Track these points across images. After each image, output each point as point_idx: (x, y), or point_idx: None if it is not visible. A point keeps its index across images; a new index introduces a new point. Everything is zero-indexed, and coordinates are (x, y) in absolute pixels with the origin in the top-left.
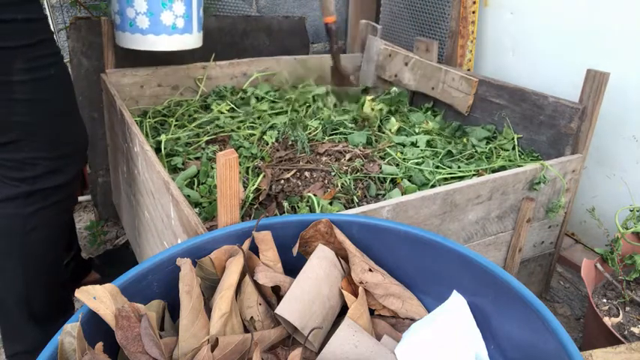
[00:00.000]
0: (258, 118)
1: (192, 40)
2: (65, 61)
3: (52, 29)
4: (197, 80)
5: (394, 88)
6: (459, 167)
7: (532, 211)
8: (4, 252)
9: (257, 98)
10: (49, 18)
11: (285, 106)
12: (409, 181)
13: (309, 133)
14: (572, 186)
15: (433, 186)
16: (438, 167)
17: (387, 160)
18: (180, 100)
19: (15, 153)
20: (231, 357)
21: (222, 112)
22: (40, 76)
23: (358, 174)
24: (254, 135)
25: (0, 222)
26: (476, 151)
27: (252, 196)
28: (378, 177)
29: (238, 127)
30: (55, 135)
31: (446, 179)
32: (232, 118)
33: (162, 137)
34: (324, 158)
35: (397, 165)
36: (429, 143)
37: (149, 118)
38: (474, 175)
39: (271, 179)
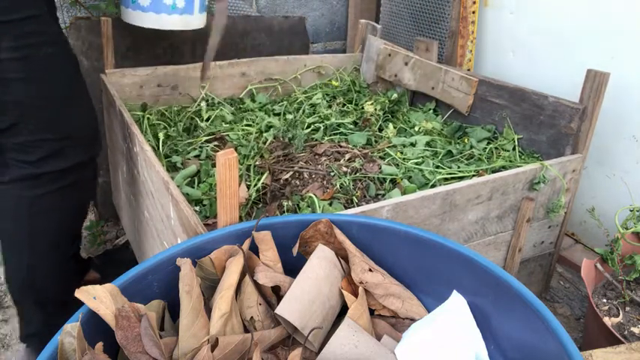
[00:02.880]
0: (256, 117)
1: (193, 21)
2: None
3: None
4: (200, 87)
5: (394, 95)
6: (458, 167)
7: (532, 211)
8: (9, 234)
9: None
10: None
11: (283, 109)
12: (409, 181)
13: (309, 133)
14: (572, 186)
15: (433, 186)
16: (438, 167)
17: (386, 160)
18: (180, 108)
19: (15, 137)
20: (231, 357)
21: (219, 116)
22: (32, 54)
23: (357, 174)
24: (251, 134)
25: (6, 203)
26: (475, 152)
27: (255, 194)
28: (378, 177)
29: (233, 128)
30: (54, 116)
31: (446, 179)
32: (232, 121)
33: (161, 135)
34: (323, 158)
35: (397, 165)
36: (428, 144)
37: (150, 115)
38: (473, 175)
39: (271, 178)
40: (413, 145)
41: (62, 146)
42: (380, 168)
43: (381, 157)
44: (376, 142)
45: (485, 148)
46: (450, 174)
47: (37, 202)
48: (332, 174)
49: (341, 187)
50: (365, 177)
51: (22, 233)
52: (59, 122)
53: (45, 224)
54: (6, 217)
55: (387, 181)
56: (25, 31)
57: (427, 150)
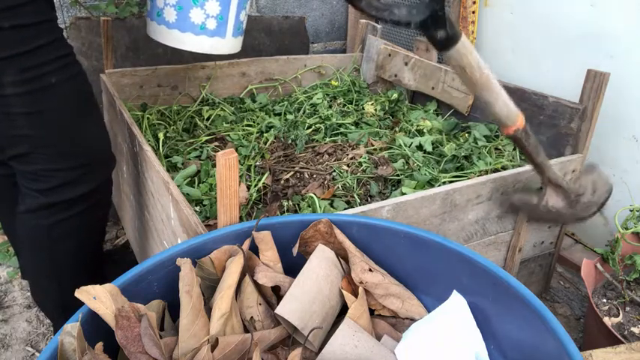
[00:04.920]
0: (257, 117)
1: (223, 45)
2: None
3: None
4: (200, 86)
5: (395, 95)
6: (461, 167)
7: None
8: (34, 261)
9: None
10: None
11: (284, 109)
12: (412, 179)
13: (311, 133)
14: None
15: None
16: (443, 171)
17: (398, 161)
18: (180, 108)
19: (27, 165)
20: (231, 357)
21: (220, 116)
22: (38, 87)
23: (359, 174)
24: (252, 134)
25: (25, 231)
26: (476, 145)
27: (255, 195)
28: (381, 176)
29: (233, 129)
30: (66, 146)
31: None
32: (233, 121)
33: (161, 135)
34: (324, 157)
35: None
36: (434, 145)
37: (150, 115)
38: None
39: (272, 178)
40: (419, 148)
41: (76, 175)
42: (395, 170)
43: (392, 159)
44: (379, 140)
45: (486, 145)
46: (455, 177)
47: (55, 230)
48: (334, 173)
49: (343, 187)
50: (366, 176)
51: (45, 259)
52: (71, 152)
53: (66, 248)
54: (28, 245)
55: (390, 181)
56: (31, 64)
57: (432, 156)
